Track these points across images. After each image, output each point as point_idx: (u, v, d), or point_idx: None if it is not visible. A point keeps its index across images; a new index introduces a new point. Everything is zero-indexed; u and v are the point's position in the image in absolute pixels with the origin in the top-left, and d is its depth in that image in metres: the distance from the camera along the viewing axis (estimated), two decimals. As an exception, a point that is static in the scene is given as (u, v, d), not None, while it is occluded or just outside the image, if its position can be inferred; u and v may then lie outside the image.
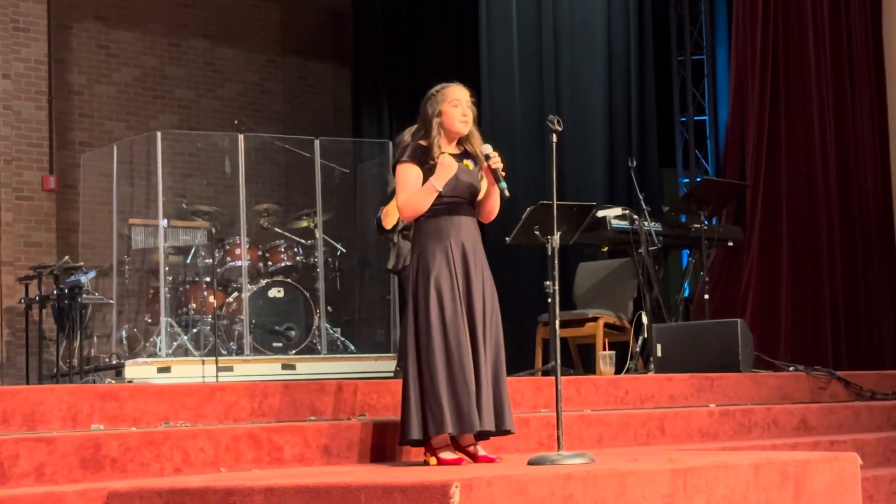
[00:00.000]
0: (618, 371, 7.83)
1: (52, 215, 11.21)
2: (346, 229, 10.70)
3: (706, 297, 8.58)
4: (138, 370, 8.72)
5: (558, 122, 4.89)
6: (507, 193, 4.98)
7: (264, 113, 12.93)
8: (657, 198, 9.74)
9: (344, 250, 10.28)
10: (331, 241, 10.17)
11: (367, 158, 11.03)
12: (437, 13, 12.44)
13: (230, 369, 8.90)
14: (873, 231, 9.65)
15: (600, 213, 8.29)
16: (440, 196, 4.94)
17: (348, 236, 10.59)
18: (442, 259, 4.94)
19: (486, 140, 5.11)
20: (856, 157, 9.71)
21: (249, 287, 9.53)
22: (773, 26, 9.83)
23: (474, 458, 4.98)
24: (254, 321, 9.46)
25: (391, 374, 7.95)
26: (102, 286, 9.86)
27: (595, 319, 8.44)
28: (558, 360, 4.84)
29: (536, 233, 7.23)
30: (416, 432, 4.85)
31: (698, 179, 10.81)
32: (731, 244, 9.17)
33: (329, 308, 9.97)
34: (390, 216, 6.82)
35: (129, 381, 8.47)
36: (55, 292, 9.07)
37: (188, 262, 9.60)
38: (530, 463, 4.46)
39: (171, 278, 9.51)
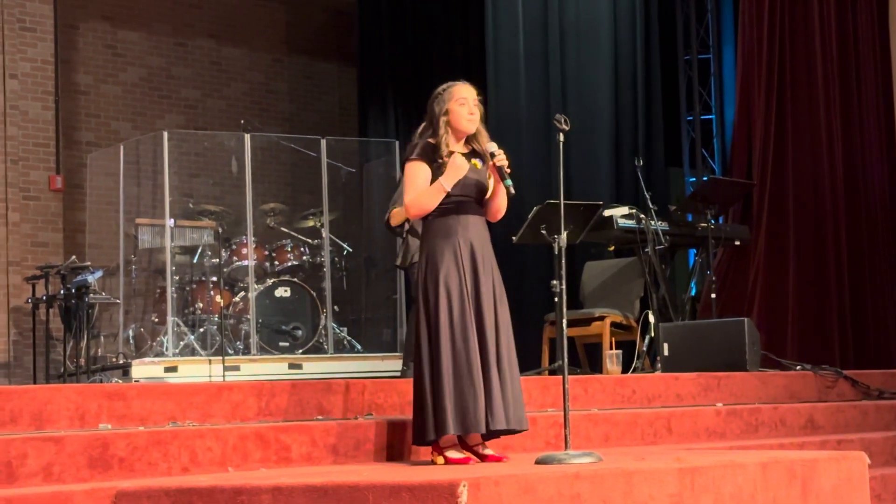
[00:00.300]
0: (625, 370, 7.84)
1: (59, 215, 11.22)
2: (352, 229, 10.70)
3: (713, 296, 8.57)
4: (145, 370, 8.72)
5: (565, 121, 4.89)
6: (512, 191, 4.98)
7: (270, 113, 12.94)
8: (664, 197, 9.74)
9: (350, 250, 10.29)
10: (337, 240, 10.17)
11: (374, 158, 11.03)
12: (442, 12, 12.43)
13: (237, 369, 8.91)
14: (880, 230, 9.63)
15: (607, 213, 8.29)
16: (448, 195, 4.95)
17: (355, 236, 10.60)
18: (451, 258, 4.94)
19: (492, 139, 5.11)
20: (862, 156, 9.70)
21: (256, 286, 9.53)
22: (780, 25, 9.82)
23: (482, 457, 4.98)
24: (260, 321, 9.46)
25: (398, 374, 7.95)
26: (109, 286, 9.87)
27: (602, 318, 8.44)
28: (565, 360, 4.84)
29: (543, 232, 7.21)
30: (432, 433, 4.84)
31: (705, 178, 10.80)
32: (737, 243, 9.16)
33: (335, 307, 9.97)
34: (397, 217, 6.83)
35: (135, 381, 8.48)
36: (62, 292, 9.08)
37: (195, 261, 9.60)
38: (538, 462, 4.46)
39: (177, 278, 9.52)
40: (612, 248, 8.88)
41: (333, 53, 13.48)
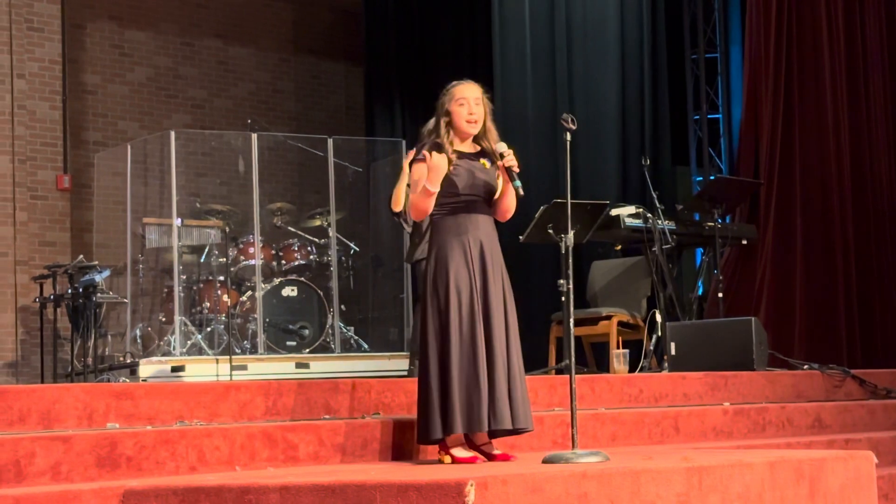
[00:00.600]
0: (632, 369, 7.83)
1: (67, 214, 11.24)
2: (359, 228, 10.70)
3: (720, 295, 8.57)
4: (153, 369, 8.74)
5: (572, 120, 4.88)
6: (521, 192, 4.98)
7: (277, 112, 12.95)
8: (671, 196, 9.73)
9: (357, 249, 10.29)
10: (344, 239, 10.18)
11: (380, 157, 11.03)
12: (449, 11, 12.43)
13: (244, 368, 8.91)
14: (888, 229, 9.62)
15: (614, 212, 8.28)
16: (457, 194, 4.94)
17: (361, 235, 10.60)
18: (460, 256, 4.94)
19: (501, 139, 5.11)
20: (870, 155, 9.68)
21: (263, 286, 9.54)
22: (787, 24, 9.81)
23: (489, 456, 4.98)
24: (267, 320, 9.46)
25: (405, 373, 7.95)
26: (117, 285, 9.89)
27: (609, 318, 8.44)
28: (572, 359, 4.84)
29: (550, 231, 7.23)
30: (432, 430, 4.84)
31: (712, 177, 10.79)
32: (744, 242, 9.15)
33: (342, 307, 9.98)
34: (398, 198, 6.82)
35: (143, 380, 8.49)
36: (70, 291, 9.09)
37: (202, 260, 9.61)
38: (545, 461, 4.46)
39: (184, 277, 9.52)
40: (619, 248, 8.88)
41: (340, 53, 13.49)
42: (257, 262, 9.61)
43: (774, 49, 9.80)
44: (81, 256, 9.53)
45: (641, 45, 10.28)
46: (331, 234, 10.05)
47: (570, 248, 4.90)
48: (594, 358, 8.87)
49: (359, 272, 10.41)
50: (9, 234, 10.82)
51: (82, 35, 11.81)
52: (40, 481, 4.43)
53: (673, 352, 7.76)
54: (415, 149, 5.16)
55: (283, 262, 9.88)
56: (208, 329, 9.40)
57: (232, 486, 4.13)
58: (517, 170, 4.97)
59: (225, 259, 9.50)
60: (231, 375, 8.58)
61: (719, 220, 8.68)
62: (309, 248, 9.99)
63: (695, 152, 11.29)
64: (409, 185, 5.46)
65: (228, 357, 8.75)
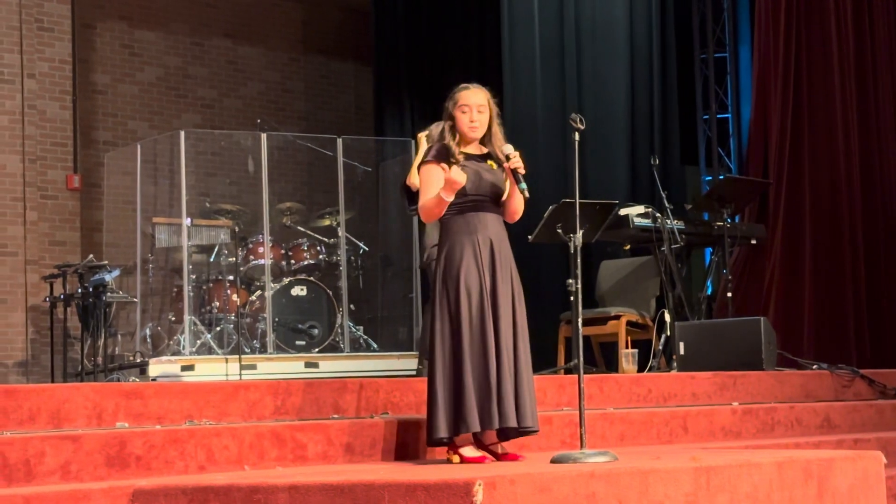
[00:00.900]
0: (640, 369, 7.83)
1: (77, 214, 11.27)
2: (368, 227, 10.71)
3: (729, 294, 8.56)
4: (162, 368, 8.75)
5: (581, 120, 4.88)
6: (526, 194, 4.98)
7: (286, 112, 12.97)
8: (680, 196, 9.72)
9: (366, 248, 10.29)
10: (353, 239, 10.18)
11: (390, 157, 11.04)
12: (458, 11, 12.44)
13: (253, 367, 8.92)
14: (897, 228, 9.61)
15: (623, 212, 8.28)
16: (465, 194, 4.95)
17: (371, 234, 10.60)
18: (470, 255, 4.95)
19: (507, 139, 5.11)
20: (879, 154, 9.67)
21: (272, 285, 9.55)
22: (796, 23, 9.80)
23: (497, 456, 4.99)
24: (277, 319, 9.47)
25: (414, 373, 7.96)
26: (126, 284, 9.91)
27: (618, 317, 8.44)
28: (581, 359, 4.84)
29: (559, 231, 7.23)
30: (443, 430, 4.85)
31: (721, 177, 10.79)
32: (753, 242, 9.14)
33: (352, 306, 9.98)
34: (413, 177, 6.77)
35: (153, 380, 8.51)
36: (80, 291, 9.11)
37: (211, 260, 9.63)
38: (553, 461, 4.46)
39: (194, 277, 9.54)
40: (627, 247, 8.87)
41: (349, 52, 13.50)
42: (267, 261, 9.62)
43: (784, 48, 9.79)
44: (91, 256, 9.55)
45: (650, 44, 10.27)
46: (340, 233, 10.06)
47: (579, 248, 4.90)
48: (603, 358, 8.86)
49: (368, 272, 10.41)
50: (19, 234, 10.85)
51: (92, 35, 11.84)
52: (50, 480, 4.45)
53: (681, 351, 7.76)
54: (425, 149, 5.15)
55: (293, 261, 9.89)
56: (218, 328, 9.42)
57: (241, 485, 4.14)
58: (523, 171, 4.97)
59: (234, 258, 9.51)
60: (240, 375, 8.59)
61: (728, 220, 8.67)
62: (318, 248, 9.99)
63: (704, 152, 11.28)
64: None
65: (238, 356, 8.76)
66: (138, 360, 9.24)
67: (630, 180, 10.04)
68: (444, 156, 5.01)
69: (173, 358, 8.91)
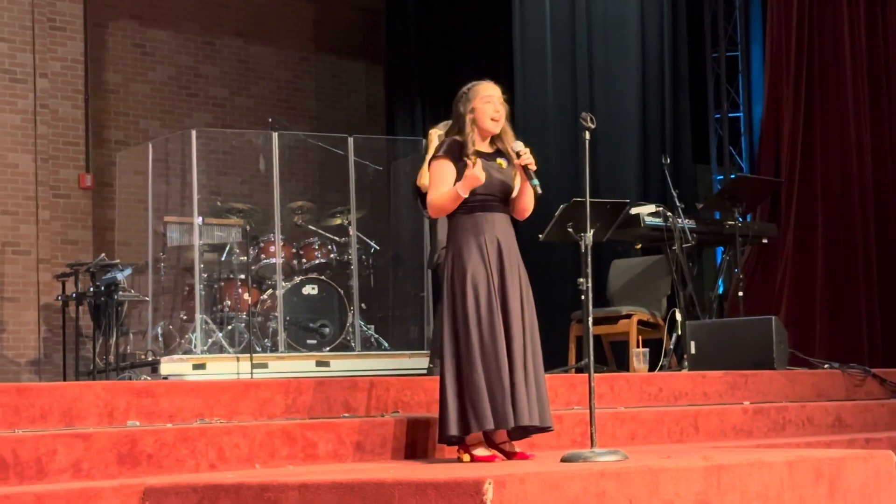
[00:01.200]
0: (651, 368, 7.82)
1: (89, 213, 11.30)
2: (379, 227, 10.71)
3: (740, 294, 8.54)
4: (174, 367, 8.76)
5: (591, 119, 4.88)
6: (539, 191, 4.98)
7: (298, 111, 12.98)
8: (691, 194, 9.71)
9: (377, 247, 10.30)
10: (364, 238, 10.19)
11: (401, 156, 11.04)
12: (469, 10, 12.44)
13: (265, 366, 8.93)
14: (910, 227, 9.59)
15: (634, 210, 8.27)
16: (474, 193, 4.95)
17: (382, 233, 10.61)
18: (477, 255, 4.95)
19: (518, 138, 5.11)
20: (892, 153, 9.64)
21: (284, 284, 9.56)
22: (809, 22, 9.78)
23: (508, 455, 4.99)
24: (288, 318, 9.48)
25: (424, 371, 7.96)
26: (138, 283, 9.92)
27: (628, 316, 8.43)
28: (591, 358, 4.84)
29: (570, 230, 7.22)
30: (454, 429, 4.85)
31: (732, 176, 10.77)
32: (765, 241, 9.13)
33: (363, 305, 9.98)
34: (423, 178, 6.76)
35: (164, 378, 8.52)
36: (91, 289, 9.13)
37: (223, 259, 9.64)
38: (563, 460, 4.46)
39: (206, 275, 9.55)
40: (638, 246, 8.86)
41: (361, 51, 13.51)
42: (278, 260, 9.63)
43: (796, 47, 9.77)
44: (103, 255, 9.57)
45: (662, 43, 10.26)
46: (351, 232, 10.06)
47: (590, 247, 4.90)
48: (614, 357, 8.86)
49: (379, 271, 10.42)
50: (31, 233, 10.89)
51: (104, 34, 11.87)
52: (61, 478, 4.46)
53: (693, 350, 7.75)
54: (436, 145, 5.15)
55: (304, 260, 9.89)
56: (229, 327, 9.43)
57: (251, 483, 4.15)
58: (534, 168, 4.97)
59: (246, 257, 9.52)
60: (251, 373, 8.60)
61: (740, 219, 8.66)
62: (329, 247, 10.00)
63: (715, 150, 11.26)
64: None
65: (249, 355, 8.78)
66: (150, 359, 9.25)
67: (641, 179, 10.03)
68: (455, 152, 5.00)
69: (185, 356, 8.93)
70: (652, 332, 8.46)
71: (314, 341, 9.57)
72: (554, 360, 8.17)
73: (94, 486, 4.31)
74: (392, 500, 3.80)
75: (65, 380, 9.67)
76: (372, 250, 10.25)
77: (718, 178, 11.22)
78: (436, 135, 5.32)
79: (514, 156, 5.02)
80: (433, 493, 3.73)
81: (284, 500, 4.01)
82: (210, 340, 9.26)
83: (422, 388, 5.65)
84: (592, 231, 4.92)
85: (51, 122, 11.10)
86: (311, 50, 13.26)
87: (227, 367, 8.80)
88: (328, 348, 9.58)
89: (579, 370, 7.95)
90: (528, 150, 5.00)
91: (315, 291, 9.68)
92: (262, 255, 9.70)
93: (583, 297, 4.89)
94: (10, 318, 10.78)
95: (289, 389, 5.38)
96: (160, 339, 9.67)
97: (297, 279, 9.66)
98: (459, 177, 4.95)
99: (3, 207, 10.79)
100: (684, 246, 8.26)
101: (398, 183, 10.88)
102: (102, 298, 8.95)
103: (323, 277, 9.80)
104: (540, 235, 7.67)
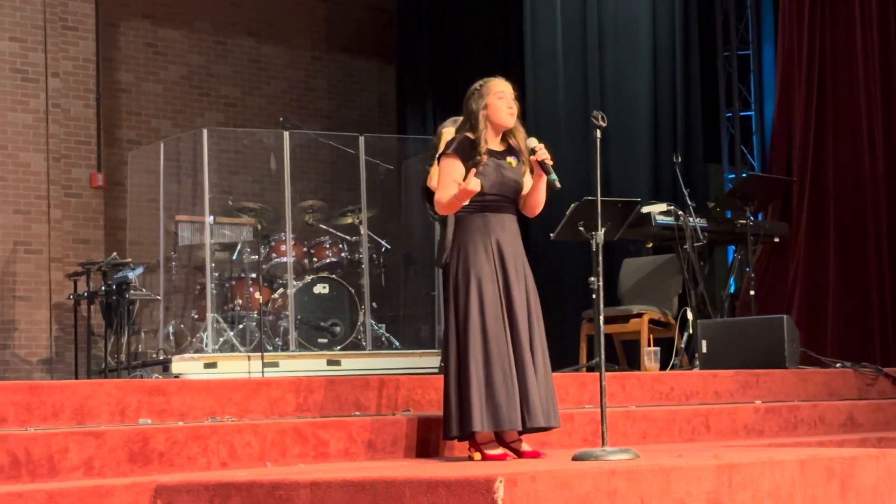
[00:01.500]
0: (663, 367, 7.81)
1: (100, 212, 11.33)
2: (390, 226, 10.72)
3: (752, 293, 8.53)
4: (185, 365, 8.78)
5: (602, 118, 4.88)
6: (558, 185, 4.96)
7: (309, 110, 12.99)
8: (702, 193, 9.70)
9: (388, 246, 10.31)
10: (375, 237, 10.20)
11: (412, 155, 11.04)
12: (481, 9, 12.44)
13: (276, 365, 8.95)
14: (922, 226, 9.55)
15: (645, 209, 8.27)
16: (483, 193, 4.93)
17: (393, 232, 10.61)
18: (483, 255, 4.94)
19: (529, 136, 5.10)
20: (904, 152, 9.62)
21: (295, 283, 9.57)
22: (821, 20, 9.75)
23: (519, 453, 4.99)
24: (299, 317, 9.50)
25: (435, 370, 7.96)
26: (150, 282, 9.94)
27: (640, 315, 8.42)
28: (602, 357, 4.84)
29: (581, 229, 7.21)
30: (454, 429, 4.85)
31: (744, 175, 10.75)
32: (777, 240, 9.11)
33: (374, 304, 9.99)
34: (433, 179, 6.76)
35: (175, 377, 8.54)
36: (103, 288, 9.15)
37: (234, 258, 9.66)
38: (574, 458, 4.46)
39: (217, 274, 9.57)
40: (650, 245, 8.86)
41: (372, 51, 13.52)
42: (289, 259, 9.64)
43: (808, 46, 9.75)
44: (115, 254, 9.59)
45: (673, 42, 10.25)
46: (362, 231, 10.07)
47: (601, 246, 4.90)
48: (625, 355, 8.85)
49: (390, 269, 10.42)
50: (43, 232, 10.92)
51: (116, 33, 11.89)
52: (73, 476, 4.47)
53: (704, 349, 7.74)
54: (446, 143, 5.14)
55: (315, 259, 9.90)
56: (240, 326, 9.45)
57: (262, 481, 4.16)
58: (551, 163, 4.96)
59: (257, 256, 9.54)
60: (263, 372, 8.62)
61: (751, 218, 8.64)
62: (340, 246, 10.01)
63: (727, 150, 11.24)
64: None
65: (260, 354, 8.79)
66: (161, 358, 9.27)
67: (652, 178, 10.02)
68: (465, 150, 4.99)
69: (196, 355, 8.94)
70: (663, 331, 8.45)
71: (325, 340, 9.58)
72: (565, 358, 8.17)
73: (105, 484, 4.32)
74: (403, 499, 3.80)
75: (76, 378, 9.69)
76: (383, 249, 10.25)
77: (730, 176, 11.20)
78: (445, 132, 5.31)
79: (527, 153, 5.00)
80: (444, 492, 3.73)
81: (296, 498, 4.02)
82: (221, 339, 9.27)
83: (433, 387, 5.65)
84: (603, 230, 4.91)
85: (63, 122, 11.13)
86: (323, 49, 13.27)
87: (238, 366, 8.82)
88: (339, 347, 9.59)
89: (590, 369, 7.95)
90: (542, 145, 4.99)
91: (326, 290, 9.69)
92: (273, 254, 9.71)
93: (594, 295, 4.87)
94: (22, 317, 10.81)
95: (300, 388, 5.38)
96: (171, 337, 9.69)
97: (308, 278, 9.68)
98: (468, 174, 4.94)
99: (15, 206, 10.82)
100: (696, 245, 8.25)
101: (409, 182, 10.88)
102: (114, 297, 8.97)
103: (334, 276, 9.81)
104: (551, 234, 7.67)
